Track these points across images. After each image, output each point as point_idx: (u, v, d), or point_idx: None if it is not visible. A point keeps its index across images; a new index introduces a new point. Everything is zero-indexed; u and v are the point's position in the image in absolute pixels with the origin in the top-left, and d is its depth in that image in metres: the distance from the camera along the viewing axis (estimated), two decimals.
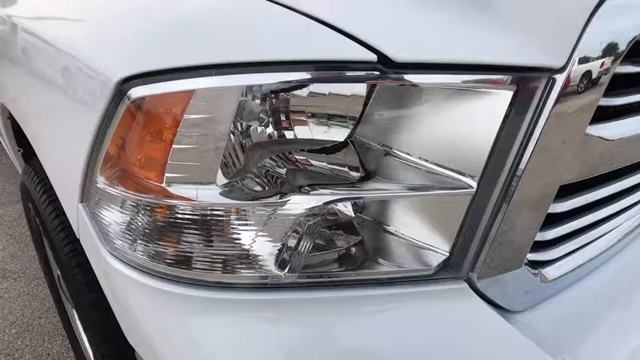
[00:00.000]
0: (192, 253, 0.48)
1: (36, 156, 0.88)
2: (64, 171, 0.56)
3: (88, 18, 0.56)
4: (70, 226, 0.66)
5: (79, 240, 0.62)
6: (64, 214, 0.68)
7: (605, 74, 0.42)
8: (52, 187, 0.75)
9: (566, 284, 0.62)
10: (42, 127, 0.62)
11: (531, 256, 0.54)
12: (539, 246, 0.54)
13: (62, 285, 1.04)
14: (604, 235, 0.64)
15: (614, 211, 0.62)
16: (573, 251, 0.60)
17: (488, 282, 0.51)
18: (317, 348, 0.44)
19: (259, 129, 0.45)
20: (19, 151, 1.18)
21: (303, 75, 0.42)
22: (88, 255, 0.59)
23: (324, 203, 0.45)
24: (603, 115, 0.49)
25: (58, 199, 0.72)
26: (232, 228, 0.47)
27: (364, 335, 0.45)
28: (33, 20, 0.65)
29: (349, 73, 0.42)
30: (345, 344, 0.45)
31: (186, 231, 0.47)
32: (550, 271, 0.56)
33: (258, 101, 0.43)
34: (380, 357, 0.46)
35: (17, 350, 1.50)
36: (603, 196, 0.57)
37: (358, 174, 0.48)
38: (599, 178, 0.54)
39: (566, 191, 0.50)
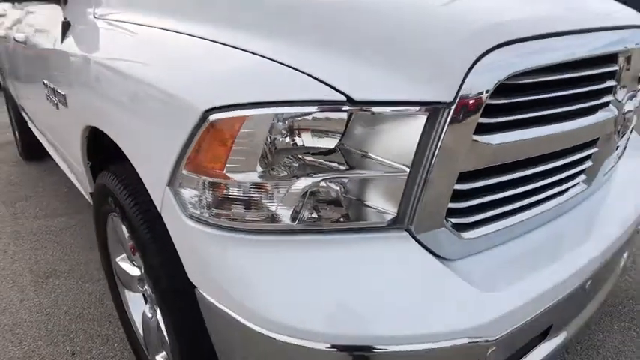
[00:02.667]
0: (239, 212, 0.79)
1: (112, 165, 1.21)
2: (156, 167, 0.89)
3: (178, 65, 0.90)
4: (146, 208, 0.98)
5: (155, 217, 0.94)
6: (143, 200, 1.01)
7: (479, 105, 0.74)
8: (131, 184, 1.07)
9: (491, 244, 0.92)
10: (139, 140, 0.95)
11: (454, 220, 0.85)
12: (457, 213, 0.84)
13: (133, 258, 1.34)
14: (523, 209, 0.94)
15: (524, 191, 0.92)
16: (489, 219, 0.90)
17: (422, 235, 0.81)
18: (314, 265, 0.76)
19: (281, 140, 0.77)
20: (88, 164, 1.51)
21: (309, 108, 0.74)
22: (166, 222, 0.91)
23: (315, 182, 0.77)
24: (491, 128, 0.80)
25: (136, 191, 1.04)
26: (264, 198, 0.79)
27: (342, 259, 0.77)
28: (136, 67, 0.99)
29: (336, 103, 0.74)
30: (331, 264, 0.76)
31: (236, 199, 0.79)
32: (467, 233, 0.86)
33: (281, 123, 0.75)
34: (352, 268, 0.76)
35: (71, 332, 1.80)
36: (506, 179, 0.87)
37: (343, 167, 0.79)
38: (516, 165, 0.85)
39: (469, 176, 0.81)
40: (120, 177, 1.13)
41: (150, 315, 1.37)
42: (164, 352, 1.35)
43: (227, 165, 0.77)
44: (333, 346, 0.72)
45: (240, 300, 0.78)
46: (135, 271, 1.41)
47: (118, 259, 1.48)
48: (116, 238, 1.42)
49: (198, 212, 0.82)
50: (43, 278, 2.19)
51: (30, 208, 3.12)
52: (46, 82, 1.72)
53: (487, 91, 0.74)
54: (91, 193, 1.63)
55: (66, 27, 1.40)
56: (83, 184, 1.82)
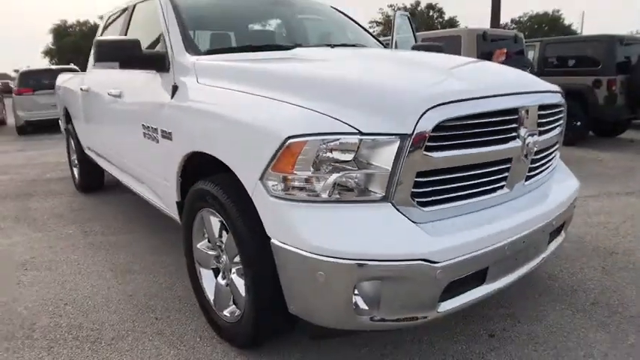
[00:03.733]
0: (299, 191, 1.48)
1: (201, 179, 1.90)
2: (252, 170, 1.57)
3: (262, 112, 1.62)
4: (237, 198, 1.67)
5: (245, 202, 1.62)
6: (235, 193, 1.69)
7: (425, 136, 1.43)
8: (226, 185, 1.76)
9: (445, 216, 1.57)
10: (240, 155, 1.65)
11: (417, 200, 1.51)
12: (419, 196, 1.51)
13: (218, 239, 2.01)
14: (465, 197, 1.61)
15: (462, 185, 1.59)
16: (441, 201, 1.56)
17: (400, 207, 1.48)
18: (338, 218, 1.44)
19: (323, 154, 1.46)
20: (180, 180, 2.21)
21: (337, 136, 1.44)
22: (255, 201, 1.59)
23: (340, 176, 1.45)
24: (433, 148, 1.48)
25: (231, 189, 1.73)
26: (313, 184, 1.47)
27: (353, 216, 1.44)
28: (234, 113, 1.72)
29: (352, 134, 1.44)
30: (347, 218, 1.44)
31: (298, 185, 1.47)
32: (426, 208, 1.52)
33: (324, 145, 1.44)
34: (359, 228, 1.43)
35: (152, 305, 2.43)
36: (447, 177, 1.55)
37: (355, 169, 1.47)
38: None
39: (424, 174, 1.49)
40: (217, 182, 1.82)
41: (222, 282, 2.01)
42: (231, 308, 1.98)
43: (295, 167, 1.46)
44: (336, 258, 1.38)
45: (298, 238, 1.44)
46: (212, 252, 2.07)
47: (198, 245, 2.13)
48: (199, 228, 2.09)
49: (277, 193, 1.50)
50: (121, 274, 2.84)
51: (95, 227, 3.82)
52: (145, 124, 2.47)
53: (429, 129, 1.43)
54: (177, 202, 2.32)
55: (175, 89, 2.16)
56: (165, 198, 2.51)
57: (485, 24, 12.55)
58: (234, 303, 1.95)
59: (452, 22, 43.01)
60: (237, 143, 1.68)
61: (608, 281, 2.52)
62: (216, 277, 2.09)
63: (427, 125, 1.44)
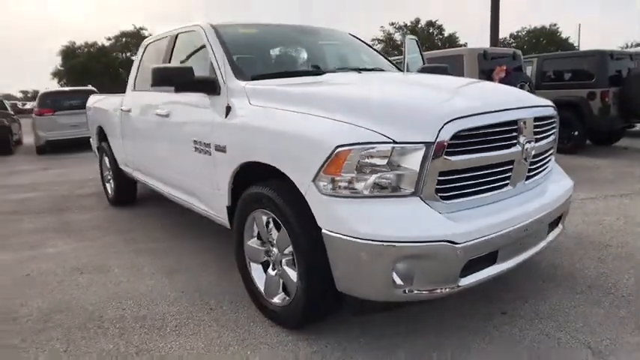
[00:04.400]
0: (345, 189, 1.86)
1: (252, 185, 2.29)
2: (305, 174, 1.95)
3: (312, 126, 2.01)
4: (291, 198, 2.05)
5: (298, 201, 2.00)
6: (288, 194, 2.07)
7: (446, 143, 1.81)
8: (279, 188, 2.14)
9: (464, 207, 1.95)
10: (294, 162, 2.03)
11: (440, 195, 1.89)
12: (441, 191, 1.89)
13: (267, 232, 2.38)
14: (479, 192, 1.99)
15: (476, 182, 1.97)
16: (460, 195, 1.94)
17: (427, 201, 1.86)
18: (376, 210, 1.82)
19: (364, 159, 1.84)
20: (231, 187, 2.59)
21: (375, 145, 1.82)
22: (308, 199, 1.96)
23: (377, 177, 1.83)
24: (452, 153, 1.87)
25: (284, 191, 2.11)
26: (355, 183, 1.85)
27: (389, 208, 1.83)
28: (288, 127, 2.12)
29: (387, 143, 1.82)
30: (384, 209, 1.82)
31: (344, 185, 1.85)
32: (448, 201, 1.90)
33: (364, 152, 1.82)
34: (394, 217, 1.81)
35: (204, 298, 2.76)
36: (465, 176, 1.92)
37: (389, 170, 1.85)
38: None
39: (445, 174, 1.87)
40: (272, 186, 2.20)
41: (272, 273, 2.37)
42: (280, 295, 2.34)
43: (342, 170, 1.84)
44: (378, 241, 1.75)
45: (346, 227, 1.82)
46: (262, 247, 2.43)
47: (248, 242, 2.50)
48: (250, 227, 2.46)
49: (327, 191, 1.88)
50: (169, 274, 3.19)
51: (135, 236, 4.18)
52: (196, 139, 2.86)
53: (447, 138, 1.82)
54: (227, 206, 2.69)
55: (228, 109, 2.56)
56: (213, 204, 2.88)
57: (484, 37, 13.09)
58: (283, 290, 2.31)
59: (452, 39, 43.75)
60: (292, 153, 2.07)
61: (603, 269, 2.87)
62: (265, 269, 2.45)
63: (446, 135, 1.82)
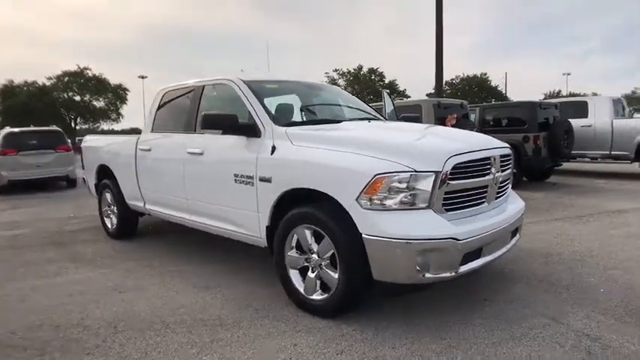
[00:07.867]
0: (381, 204, 2.63)
1: (295, 207, 3.02)
2: (349, 195, 2.69)
3: (350, 160, 2.79)
4: (336, 215, 2.79)
5: (342, 216, 2.74)
6: (333, 212, 2.81)
7: (448, 172, 2.66)
8: (324, 209, 2.87)
9: (462, 216, 2.79)
10: (338, 186, 2.77)
11: (446, 207, 2.72)
12: (446, 205, 2.72)
13: (292, 249, 3.07)
14: (469, 206, 2.85)
15: (466, 199, 2.82)
16: (459, 208, 2.78)
17: (437, 212, 2.68)
18: (403, 219, 2.62)
19: (392, 184, 2.64)
20: (273, 211, 3.28)
21: (399, 173, 2.63)
22: (352, 214, 2.70)
23: (402, 196, 2.63)
24: (452, 179, 2.72)
25: (329, 211, 2.85)
26: (387, 200, 2.64)
27: (411, 217, 2.63)
28: (329, 161, 2.88)
29: (409, 172, 2.65)
30: (408, 218, 2.62)
31: (379, 201, 2.63)
32: (450, 213, 2.73)
33: (392, 178, 2.62)
34: (415, 223, 2.61)
35: (247, 303, 3.35)
36: (460, 195, 2.77)
37: (408, 192, 2.66)
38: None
39: (449, 194, 2.71)
40: (316, 207, 2.93)
41: (312, 275, 3.05)
42: (318, 292, 3.01)
43: (377, 191, 2.62)
44: (406, 239, 2.54)
45: (381, 230, 2.58)
46: (301, 255, 3.11)
47: (288, 253, 3.17)
48: (290, 241, 3.13)
49: (366, 206, 2.64)
50: (206, 289, 3.69)
51: (153, 262, 4.55)
52: (237, 173, 3.52)
53: (449, 169, 2.68)
54: (267, 226, 3.34)
55: (274, 148, 3.28)
56: (251, 226, 3.50)
57: (423, 83, 14.79)
58: (321, 288, 2.99)
59: (392, 85, 46.79)
60: (338, 180, 2.81)
61: (548, 269, 3.82)
62: (302, 274, 3.12)
63: (448, 166, 2.68)
